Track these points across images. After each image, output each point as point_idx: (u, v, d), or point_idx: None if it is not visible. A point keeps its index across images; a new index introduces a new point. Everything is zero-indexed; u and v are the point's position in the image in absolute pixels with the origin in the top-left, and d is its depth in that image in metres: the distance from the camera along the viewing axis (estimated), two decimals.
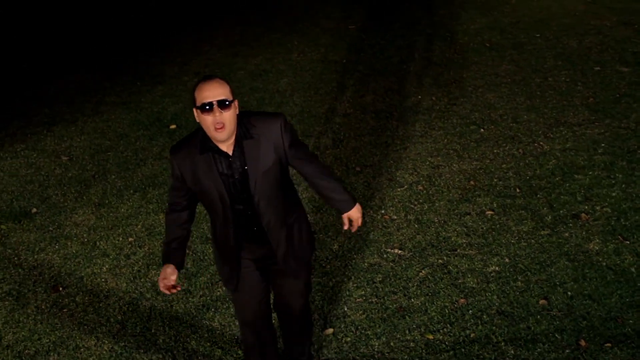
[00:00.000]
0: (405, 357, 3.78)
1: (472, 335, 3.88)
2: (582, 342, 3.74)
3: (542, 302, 4.06)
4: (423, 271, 4.43)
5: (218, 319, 4.17)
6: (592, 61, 7.41)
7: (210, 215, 3.12)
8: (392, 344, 3.87)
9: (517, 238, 4.65)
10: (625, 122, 6.02)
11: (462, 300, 4.15)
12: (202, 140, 2.93)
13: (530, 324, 3.91)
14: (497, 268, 4.39)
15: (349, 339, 3.94)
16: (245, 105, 6.82)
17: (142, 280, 4.58)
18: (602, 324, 3.85)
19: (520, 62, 7.56)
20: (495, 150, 5.77)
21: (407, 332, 3.95)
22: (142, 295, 4.44)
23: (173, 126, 6.78)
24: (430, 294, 4.22)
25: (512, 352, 3.73)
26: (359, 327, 4.01)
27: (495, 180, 5.34)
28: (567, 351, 3.70)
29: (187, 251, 4.79)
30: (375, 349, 3.84)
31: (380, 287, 4.32)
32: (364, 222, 4.93)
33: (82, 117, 7.19)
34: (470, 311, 4.05)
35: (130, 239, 5.02)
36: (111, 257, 4.85)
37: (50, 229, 5.25)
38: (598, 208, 4.87)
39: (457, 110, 6.56)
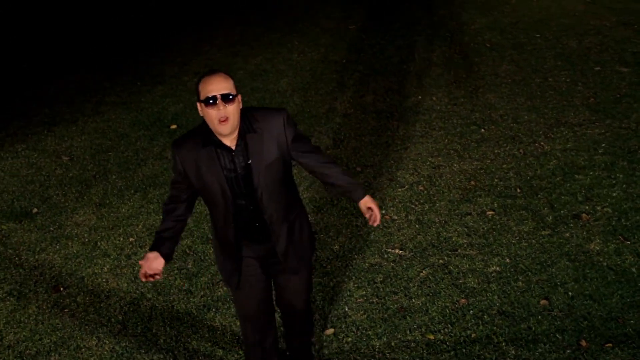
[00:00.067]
0: (406, 357, 3.78)
1: (473, 335, 3.88)
2: (583, 343, 3.74)
3: (543, 302, 4.07)
4: (424, 271, 4.43)
5: (219, 319, 4.17)
6: (592, 61, 7.42)
7: (212, 211, 3.11)
8: (393, 344, 3.87)
9: (517, 238, 4.65)
10: (625, 122, 6.03)
11: (463, 300, 4.15)
12: (205, 134, 2.94)
13: (531, 324, 3.91)
14: (498, 268, 4.39)
15: (349, 339, 3.94)
16: (246, 106, 6.81)
17: (142, 280, 4.58)
18: (602, 324, 3.86)
19: (521, 63, 7.57)
20: (495, 151, 5.77)
21: (408, 332, 3.95)
22: (143, 295, 4.45)
23: (174, 126, 6.78)
24: (431, 294, 4.22)
25: (513, 352, 3.73)
26: (360, 327, 4.02)
27: (496, 180, 5.35)
28: (568, 351, 3.70)
29: (188, 251, 4.80)
30: (376, 349, 3.85)
31: (381, 287, 4.32)
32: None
33: (83, 117, 7.19)
34: (471, 311, 4.06)
35: (131, 239, 5.02)
36: (112, 257, 4.85)
37: (51, 229, 5.25)
38: (599, 208, 4.87)
39: (457, 111, 6.56)
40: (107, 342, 4.07)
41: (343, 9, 10.22)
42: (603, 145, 5.68)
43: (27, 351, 4.07)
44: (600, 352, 3.67)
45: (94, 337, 4.12)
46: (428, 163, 5.67)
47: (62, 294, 4.53)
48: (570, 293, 4.12)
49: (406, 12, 9.73)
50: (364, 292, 4.29)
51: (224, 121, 2.82)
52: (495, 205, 5.04)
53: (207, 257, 4.74)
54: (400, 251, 4.64)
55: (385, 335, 3.94)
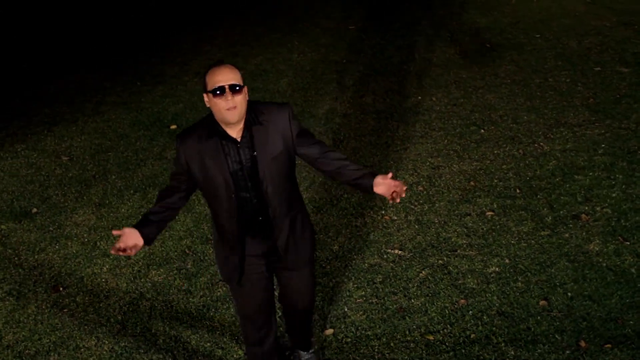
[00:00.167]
0: (406, 357, 3.78)
1: (472, 335, 3.88)
2: (582, 343, 3.74)
3: (542, 302, 4.07)
4: (423, 272, 4.43)
5: (218, 319, 4.18)
6: (592, 62, 7.41)
7: (214, 206, 3.09)
8: (392, 344, 3.87)
9: (517, 239, 4.65)
10: (625, 122, 6.02)
11: (462, 300, 4.15)
12: (210, 126, 2.95)
13: (531, 324, 3.91)
14: (497, 269, 4.39)
15: (349, 339, 3.94)
16: None
17: (142, 280, 4.58)
18: (602, 324, 3.86)
19: (520, 63, 7.57)
20: (495, 151, 5.77)
21: (407, 332, 3.95)
22: (142, 295, 4.45)
23: (174, 126, 6.78)
24: (430, 295, 4.22)
25: (512, 352, 3.73)
26: (359, 328, 4.02)
27: (495, 181, 5.35)
28: (567, 352, 3.70)
29: (187, 252, 4.80)
30: (376, 350, 3.85)
31: (381, 288, 4.32)
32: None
33: (83, 117, 7.19)
34: (471, 312, 4.06)
35: None
36: (111, 257, 4.85)
37: (51, 229, 5.25)
38: (598, 209, 4.87)
39: (457, 111, 6.56)
40: (107, 342, 4.08)
41: (343, 9, 10.22)
42: (603, 145, 5.68)
43: (27, 351, 4.07)
44: (600, 352, 3.67)
45: (93, 337, 4.12)
46: (427, 163, 5.67)
47: (62, 293, 4.53)
48: (569, 293, 4.12)
49: (406, 12, 9.73)
50: (363, 293, 4.29)
51: (233, 108, 2.85)
52: (495, 205, 5.04)
53: (206, 258, 4.74)
54: (400, 251, 4.64)
55: (384, 335, 3.94)
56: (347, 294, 4.30)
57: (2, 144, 6.75)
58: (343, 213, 5.09)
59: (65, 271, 4.75)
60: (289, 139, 3.00)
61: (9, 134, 6.95)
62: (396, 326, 4.00)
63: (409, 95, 7.02)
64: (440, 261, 4.51)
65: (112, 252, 2.92)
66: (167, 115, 7.06)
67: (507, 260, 4.45)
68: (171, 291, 4.46)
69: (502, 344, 3.79)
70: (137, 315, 4.27)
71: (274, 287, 3.38)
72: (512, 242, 4.63)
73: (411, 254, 4.60)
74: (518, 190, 5.19)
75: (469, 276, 4.35)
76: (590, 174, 5.30)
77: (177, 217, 5.19)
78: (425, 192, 5.29)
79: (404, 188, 3.03)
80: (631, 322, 3.85)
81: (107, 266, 4.76)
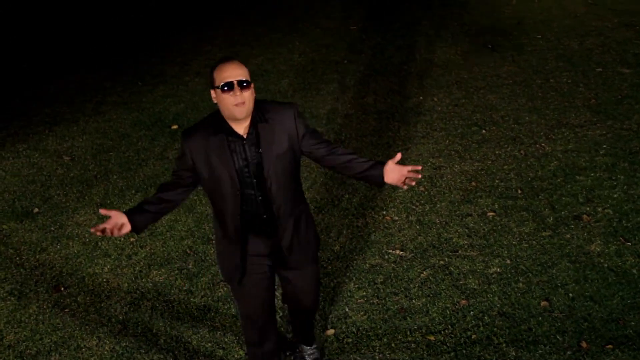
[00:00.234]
0: (407, 358, 3.78)
1: (473, 336, 3.88)
2: (584, 344, 3.74)
3: (543, 303, 4.07)
4: (424, 272, 4.43)
5: (219, 320, 4.18)
6: (593, 62, 7.41)
7: (217, 204, 3.08)
8: (393, 345, 3.87)
9: (518, 239, 4.65)
10: (627, 123, 6.02)
11: (463, 301, 4.15)
12: (216, 123, 2.96)
13: (532, 325, 3.91)
14: (498, 269, 4.39)
15: (350, 339, 3.94)
16: None
17: (143, 280, 4.59)
18: (603, 325, 3.86)
19: (522, 63, 7.57)
20: (496, 152, 5.77)
21: (408, 333, 3.95)
22: (143, 295, 4.45)
23: (175, 126, 6.79)
24: (431, 295, 4.22)
25: (514, 353, 3.73)
26: (360, 328, 4.02)
27: (496, 181, 5.35)
28: (569, 352, 3.70)
29: (189, 252, 4.80)
30: (377, 350, 3.85)
31: (382, 288, 4.32)
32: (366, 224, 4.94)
33: (84, 117, 7.19)
34: (472, 312, 4.05)
35: (131, 239, 5.02)
36: (113, 257, 4.85)
37: (52, 229, 5.25)
38: (600, 209, 4.87)
39: (458, 112, 6.56)
40: (108, 342, 4.08)
41: (344, 9, 10.22)
42: (604, 146, 5.68)
43: (28, 351, 4.07)
44: (601, 353, 3.67)
45: (95, 337, 4.12)
46: (429, 164, 5.67)
47: (63, 293, 4.53)
48: (570, 294, 4.12)
49: (407, 13, 9.73)
50: (364, 293, 4.29)
51: (241, 104, 2.86)
52: (496, 206, 5.04)
53: (207, 258, 4.74)
54: (401, 252, 4.64)
55: (385, 336, 3.94)
56: (348, 294, 4.30)
57: (3, 143, 6.75)
58: (344, 213, 5.09)
59: (67, 271, 4.75)
60: (294, 137, 3.01)
61: (10, 133, 6.95)
62: (397, 326, 4.00)
63: (410, 95, 7.02)
64: (441, 262, 4.51)
65: (92, 230, 2.87)
66: (168, 115, 7.06)
67: (508, 261, 4.45)
68: (172, 291, 4.46)
69: (503, 345, 3.79)
70: (138, 315, 4.27)
71: (276, 287, 3.38)
72: (514, 242, 4.63)
73: (412, 255, 4.60)
74: (519, 191, 5.19)
75: (470, 277, 4.35)
76: (592, 174, 5.30)
77: (178, 217, 5.19)
78: (426, 192, 5.29)
79: (419, 168, 3.00)
80: (632, 322, 3.85)
81: (108, 266, 4.76)
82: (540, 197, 5.09)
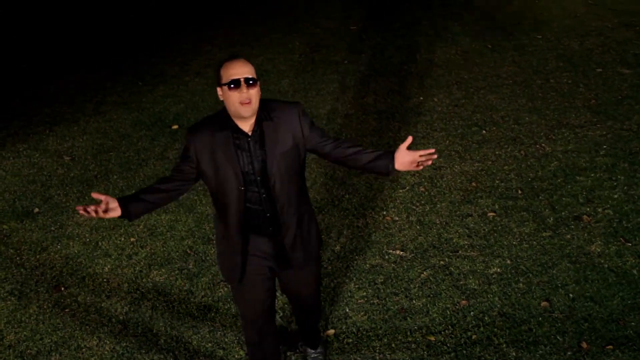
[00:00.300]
0: (407, 358, 3.78)
1: (473, 337, 3.88)
2: (584, 344, 3.74)
3: (543, 304, 4.07)
4: (424, 272, 4.43)
5: (220, 320, 4.18)
6: (593, 63, 7.42)
7: (220, 201, 3.08)
8: (393, 345, 3.87)
9: (518, 240, 4.65)
10: (627, 123, 6.03)
11: (463, 301, 4.15)
12: (222, 120, 2.98)
13: (532, 325, 3.91)
14: (498, 270, 4.39)
15: (350, 340, 3.94)
16: None
17: (143, 280, 4.59)
18: (603, 326, 3.86)
19: (522, 64, 7.57)
20: (497, 152, 5.77)
21: (408, 333, 3.95)
22: (143, 295, 4.45)
23: (175, 126, 6.79)
24: (431, 296, 4.22)
25: (514, 354, 3.73)
26: (361, 329, 4.02)
27: (497, 181, 5.35)
28: (569, 353, 3.70)
29: (189, 252, 4.81)
30: (377, 350, 3.85)
31: (382, 289, 4.32)
32: (369, 224, 4.94)
33: (84, 117, 7.19)
34: (472, 313, 4.06)
35: (132, 239, 5.02)
36: (113, 257, 4.85)
37: (53, 228, 5.25)
38: (600, 210, 4.87)
39: (458, 112, 6.56)
40: (108, 342, 4.08)
41: (344, 9, 10.22)
42: (604, 146, 5.68)
43: (28, 351, 4.07)
44: (601, 354, 3.67)
45: (95, 337, 4.12)
46: (429, 164, 5.66)
47: (63, 293, 4.53)
48: (571, 295, 4.12)
49: (407, 13, 9.73)
50: (364, 293, 4.29)
51: (247, 103, 2.88)
52: (496, 206, 5.04)
53: (208, 258, 4.74)
54: (401, 252, 4.64)
55: (385, 336, 3.94)
56: (349, 294, 4.30)
57: (3, 143, 6.75)
58: (345, 213, 5.10)
59: (67, 271, 4.75)
60: (299, 135, 3.02)
61: (10, 133, 6.95)
62: (397, 327, 4.00)
63: (411, 95, 7.02)
64: (441, 262, 4.51)
65: (78, 208, 2.85)
66: (168, 115, 7.06)
67: (508, 261, 4.46)
68: (173, 291, 4.46)
69: (504, 345, 3.79)
70: (139, 316, 4.27)
71: (276, 288, 3.39)
72: (514, 243, 4.63)
73: (412, 255, 4.60)
74: (520, 191, 5.19)
75: (471, 277, 4.35)
76: (592, 175, 5.30)
77: (178, 217, 5.20)
78: (426, 192, 5.29)
79: (432, 151, 2.99)
80: (633, 323, 3.85)
81: (108, 266, 4.76)
82: (540, 197, 5.09)
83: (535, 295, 4.15)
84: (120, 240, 5.02)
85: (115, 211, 2.96)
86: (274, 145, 2.97)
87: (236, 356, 3.90)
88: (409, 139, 3.01)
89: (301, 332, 3.78)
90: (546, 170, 5.43)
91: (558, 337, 3.81)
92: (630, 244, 4.50)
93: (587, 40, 8.06)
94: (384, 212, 5.08)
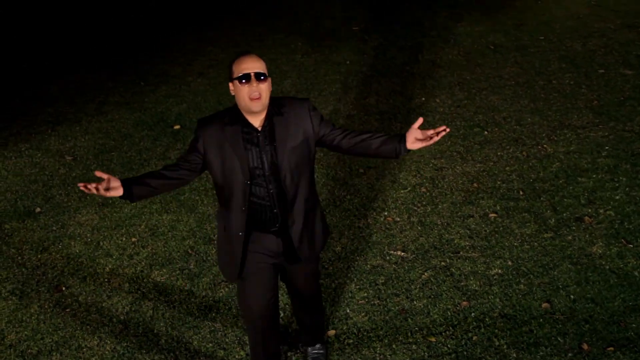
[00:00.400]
0: (407, 359, 3.78)
1: (474, 338, 3.88)
2: (585, 346, 3.74)
3: (544, 305, 4.06)
4: (426, 273, 4.43)
5: (220, 320, 4.18)
6: (596, 64, 7.40)
7: (224, 195, 3.09)
8: (394, 346, 3.87)
9: (520, 241, 4.65)
10: (629, 125, 6.01)
11: (464, 302, 4.15)
12: (232, 115, 3.02)
13: (533, 327, 3.91)
14: (499, 271, 4.39)
15: (351, 340, 3.94)
16: None
17: (144, 280, 4.59)
18: (604, 327, 3.85)
19: (524, 65, 7.56)
20: (498, 153, 5.77)
21: (409, 334, 3.95)
22: (144, 295, 4.45)
23: (177, 126, 6.79)
24: (432, 297, 4.22)
25: (515, 355, 3.73)
26: (361, 329, 4.02)
27: (498, 182, 5.34)
28: (570, 355, 3.70)
29: (190, 252, 4.81)
30: (377, 351, 3.84)
31: (383, 289, 4.32)
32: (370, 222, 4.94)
33: (86, 117, 7.20)
34: (473, 314, 4.05)
35: (133, 239, 5.03)
36: (114, 257, 4.86)
37: (54, 228, 5.26)
38: (601, 211, 4.87)
39: (460, 113, 6.56)
40: (109, 342, 4.08)
41: (346, 10, 10.22)
42: (606, 148, 5.67)
43: (29, 350, 4.08)
44: (602, 355, 3.66)
45: (96, 337, 4.13)
46: (431, 165, 5.66)
47: (64, 293, 4.54)
48: (572, 296, 4.11)
49: (409, 14, 9.73)
50: (365, 294, 4.29)
51: (257, 98, 2.92)
52: (498, 207, 5.03)
53: (209, 258, 4.75)
54: (402, 253, 4.64)
55: (386, 337, 3.94)
56: (350, 295, 4.29)
57: (6, 143, 6.76)
58: (346, 214, 5.09)
59: (68, 271, 4.76)
60: (309, 130, 3.06)
61: (12, 133, 6.96)
62: (398, 328, 4.00)
63: (413, 96, 7.02)
64: (442, 263, 4.50)
65: (79, 184, 2.85)
66: (170, 116, 7.07)
67: (509, 263, 4.45)
68: (173, 291, 4.46)
69: (504, 347, 3.79)
70: (140, 316, 4.28)
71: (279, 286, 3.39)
72: (515, 244, 4.62)
73: (414, 256, 4.60)
74: (521, 192, 5.18)
75: (472, 278, 4.34)
76: (594, 176, 5.29)
77: (180, 218, 5.20)
78: (428, 193, 5.29)
79: (443, 128, 2.97)
80: (634, 325, 3.84)
81: (109, 266, 4.76)
82: (542, 198, 5.08)
83: (536, 296, 4.14)
84: (121, 240, 5.03)
85: (117, 190, 2.95)
86: (284, 140, 3.00)
87: (237, 356, 3.90)
88: (420, 120, 3.03)
89: (302, 331, 3.78)
90: (548, 171, 5.43)
91: (559, 339, 3.80)
92: (631, 246, 4.49)
93: (589, 42, 8.05)
94: (385, 213, 5.08)
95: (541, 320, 3.95)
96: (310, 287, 3.49)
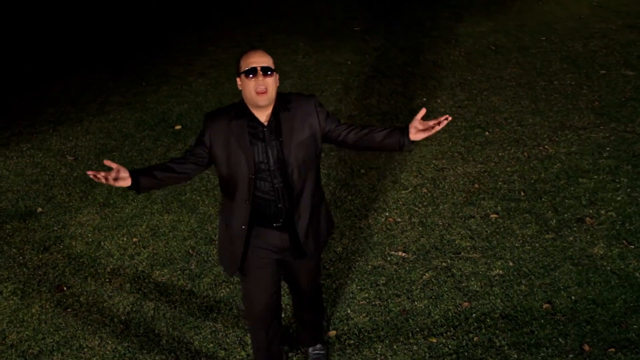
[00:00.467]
0: None
1: (475, 339, 3.87)
2: (586, 347, 3.73)
3: (545, 306, 4.06)
4: (427, 274, 4.43)
5: (221, 320, 4.18)
6: (597, 65, 7.40)
7: (228, 189, 3.11)
8: (395, 347, 3.87)
9: (521, 242, 4.65)
10: (630, 126, 6.01)
11: (465, 303, 4.15)
12: (240, 108, 3.05)
13: (534, 328, 3.91)
14: (501, 272, 4.39)
15: (352, 341, 3.94)
16: None
17: (145, 281, 4.59)
18: (606, 328, 3.85)
19: (526, 66, 7.56)
20: (500, 154, 5.77)
21: (410, 335, 3.95)
22: (145, 295, 4.45)
23: (178, 127, 6.80)
24: (433, 297, 4.22)
25: (516, 356, 3.72)
26: (362, 330, 4.01)
27: (499, 183, 5.34)
28: (571, 356, 3.69)
29: (191, 252, 4.81)
30: (378, 352, 3.84)
31: (384, 290, 4.32)
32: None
33: (87, 117, 7.21)
34: (474, 315, 4.05)
35: (134, 240, 5.03)
36: (115, 257, 4.86)
37: (55, 228, 5.26)
38: (603, 212, 4.86)
39: (462, 113, 6.56)
40: (110, 342, 4.08)
41: (347, 10, 10.23)
42: (607, 149, 5.67)
43: (30, 350, 4.08)
44: (603, 356, 3.66)
45: (97, 337, 4.13)
46: (432, 165, 5.66)
47: (66, 293, 4.54)
48: (573, 297, 4.11)
49: (410, 14, 9.73)
50: (366, 295, 4.29)
51: (263, 92, 2.95)
52: (499, 208, 5.03)
53: (210, 259, 4.75)
54: (403, 254, 4.64)
55: (387, 337, 3.94)
56: (351, 295, 4.30)
57: (7, 143, 6.77)
58: (347, 215, 5.09)
59: (70, 271, 4.76)
60: (316, 125, 3.08)
61: (14, 133, 6.97)
62: (399, 328, 4.00)
63: (414, 97, 7.02)
64: (443, 264, 4.50)
65: (89, 172, 2.87)
66: (171, 116, 7.07)
67: (511, 263, 4.45)
68: (175, 292, 4.47)
69: (505, 347, 3.79)
70: (141, 316, 4.28)
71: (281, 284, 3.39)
72: (516, 245, 4.62)
73: (415, 256, 4.60)
74: (522, 193, 5.18)
75: (473, 279, 4.34)
76: (595, 177, 5.29)
77: (181, 218, 5.20)
78: (429, 194, 5.29)
79: (445, 117, 2.99)
80: (635, 326, 3.84)
81: (110, 266, 4.77)
82: (543, 199, 5.08)
83: (537, 297, 4.14)
84: (122, 241, 5.03)
85: (125, 181, 2.98)
86: (290, 135, 3.02)
87: (238, 357, 3.90)
88: (423, 111, 3.05)
89: (303, 331, 3.78)
90: (549, 172, 5.42)
91: (560, 340, 3.80)
92: (632, 247, 4.49)
93: (591, 42, 8.04)
94: (386, 214, 5.08)
95: (542, 321, 3.95)
96: (312, 283, 3.50)
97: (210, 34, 9.68)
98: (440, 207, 5.11)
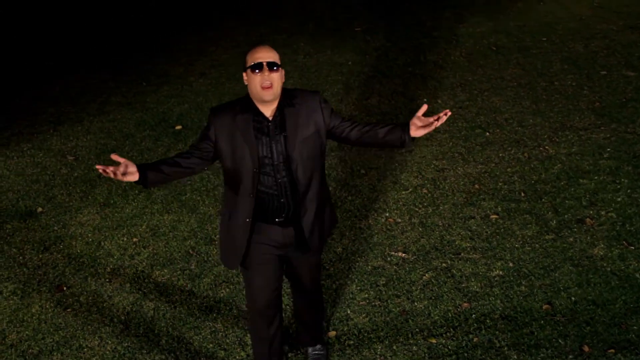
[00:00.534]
0: None
1: (475, 339, 3.87)
2: (586, 348, 3.73)
3: (545, 307, 4.06)
4: (427, 275, 4.42)
5: (221, 321, 4.18)
6: (598, 65, 7.39)
7: (232, 184, 3.13)
8: (394, 347, 3.87)
9: (521, 242, 4.64)
10: (631, 126, 6.01)
11: (465, 304, 4.14)
12: (245, 103, 3.07)
13: (534, 329, 3.90)
14: (501, 272, 4.38)
15: (351, 342, 3.94)
16: None
17: (145, 280, 4.59)
18: (605, 329, 3.84)
19: (526, 66, 7.55)
20: (500, 154, 5.76)
21: (410, 335, 3.95)
22: (145, 295, 4.45)
23: (179, 127, 6.80)
24: (433, 298, 4.21)
25: (515, 357, 3.72)
26: (362, 331, 4.01)
27: (500, 184, 5.34)
28: (571, 356, 3.69)
29: (191, 252, 4.81)
30: (378, 353, 3.84)
31: (384, 291, 4.32)
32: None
33: (88, 117, 7.21)
34: (474, 315, 4.05)
35: (134, 240, 5.03)
36: (115, 257, 4.86)
37: (55, 228, 5.26)
38: (603, 213, 4.86)
39: (462, 114, 6.56)
40: (110, 342, 4.08)
41: (348, 10, 10.22)
42: (608, 149, 5.66)
43: (30, 350, 4.08)
44: (603, 357, 3.66)
45: (97, 337, 4.13)
46: (432, 166, 5.66)
47: (65, 293, 4.54)
48: (573, 298, 4.10)
49: (411, 14, 9.72)
50: (366, 295, 4.29)
51: (268, 87, 2.98)
52: (499, 209, 5.03)
53: (210, 259, 4.75)
54: (403, 254, 4.64)
55: (387, 338, 3.94)
56: (350, 296, 4.29)
57: (7, 143, 6.77)
58: (347, 215, 5.09)
59: (70, 271, 4.76)
60: (320, 121, 3.10)
61: (14, 133, 6.97)
62: (399, 329, 4.00)
63: (414, 97, 7.02)
64: (443, 264, 4.50)
65: (97, 166, 2.90)
66: (172, 116, 7.07)
67: (511, 264, 4.45)
68: (174, 292, 4.47)
69: (505, 348, 3.78)
70: (140, 316, 4.28)
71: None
72: (516, 245, 4.62)
73: (415, 257, 4.60)
74: (523, 194, 5.18)
75: (473, 279, 4.34)
76: (596, 178, 5.28)
77: (181, 218, 5.20)
78: (429, 194, 5.28)
79: (445, 112, 3.02)
80: (635, 327, 3.84)
81: (110, 266, 4.77)
82: (543, 200, 5.08)
83: (537, 298, 4.14)
84: (122, 241, 5.03)
85: (133, 175, 3.01)
86: (295, 130, 3.04)
87: (237, 357, 3.90)
88: (424, 107, 3.08)
89: (303, 331, 3.79)
90: (549, 172, 5.42)
91: (560, 341, 3.80)
92: (633, 248, 4.48)
93: (592, 43, 8.04)
94: (387, 214, 5.08)
95: (542, 322, 3.95)
96: (313, 280, 3.52)
97: (210, 34, 9.68)
98: (441, 207, 5.11)
